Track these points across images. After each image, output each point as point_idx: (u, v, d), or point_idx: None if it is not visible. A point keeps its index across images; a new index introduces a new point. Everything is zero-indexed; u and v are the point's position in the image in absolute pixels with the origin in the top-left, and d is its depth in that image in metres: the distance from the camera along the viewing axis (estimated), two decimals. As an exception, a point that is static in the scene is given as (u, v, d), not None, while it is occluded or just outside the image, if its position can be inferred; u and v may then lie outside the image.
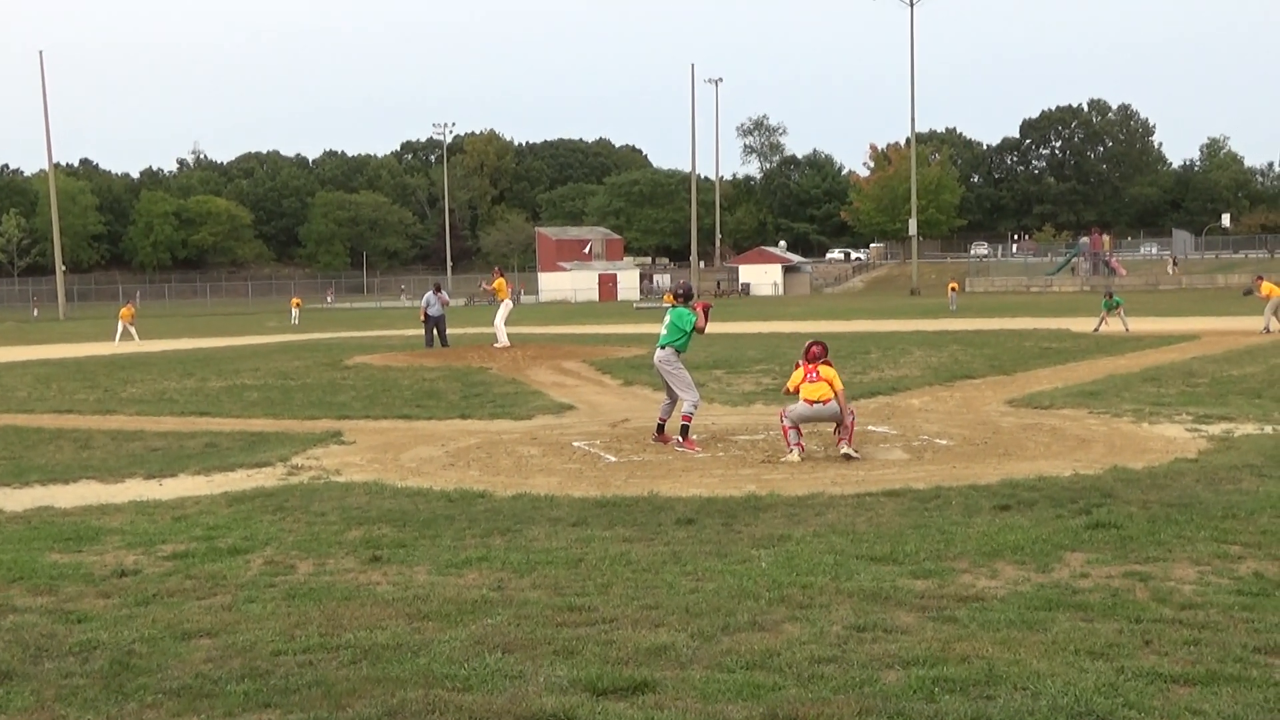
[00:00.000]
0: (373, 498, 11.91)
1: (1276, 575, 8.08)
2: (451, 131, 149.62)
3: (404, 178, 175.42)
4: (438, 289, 37.57)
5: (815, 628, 7.04)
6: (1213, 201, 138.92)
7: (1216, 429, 15.42)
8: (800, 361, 14.65)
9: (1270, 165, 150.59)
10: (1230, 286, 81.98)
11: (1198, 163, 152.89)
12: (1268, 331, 34.04)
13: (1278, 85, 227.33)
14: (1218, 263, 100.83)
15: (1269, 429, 15.33)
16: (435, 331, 36.37)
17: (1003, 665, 6.25)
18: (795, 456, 13.71)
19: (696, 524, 10.17)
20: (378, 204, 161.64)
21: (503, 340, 33.91)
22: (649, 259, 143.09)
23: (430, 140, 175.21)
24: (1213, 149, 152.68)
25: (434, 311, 36.46)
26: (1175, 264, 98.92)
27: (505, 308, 35.12)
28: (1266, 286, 36.01)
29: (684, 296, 15.98)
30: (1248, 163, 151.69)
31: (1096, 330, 37.32)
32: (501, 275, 37.23)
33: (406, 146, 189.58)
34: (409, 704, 5.85)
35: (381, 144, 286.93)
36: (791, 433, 13.95)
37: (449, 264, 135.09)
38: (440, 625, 7.26)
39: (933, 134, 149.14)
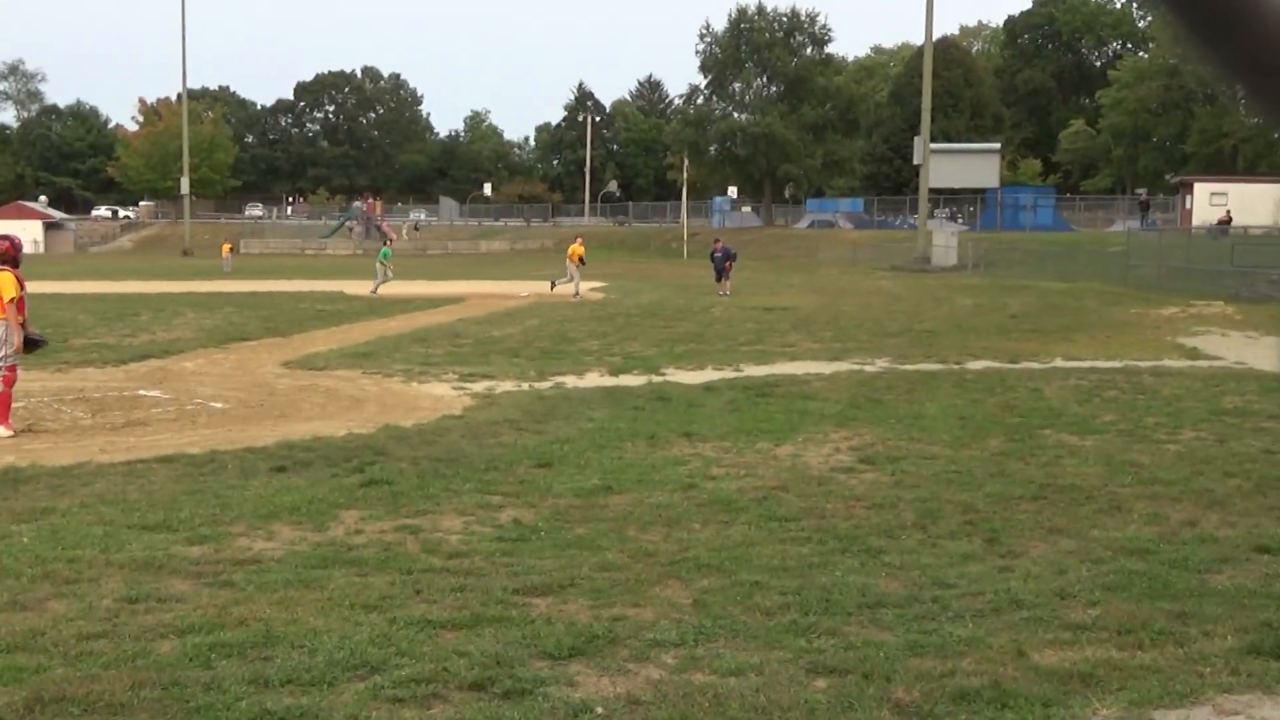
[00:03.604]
0: None
1: (533, 521, 8.76)
2: None
3: None
4: None
5: (84, 603, 6.73)
6: (476, 171, 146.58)
7: (479, 387, 16.41)
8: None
9: (526, 139, 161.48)
10: (492, 252, 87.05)
11: (462, 134, 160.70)
12: (577, 295, 35.73)
13: (526, 66, 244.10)
14: (480, 229, 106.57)
15: (525, 385, 16.53)
16: None
17: (280, 625, 6.31)
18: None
19: (-54, 501, 9.34)
20: None
21: None
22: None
23: None
24: (476, 121, 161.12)
25: None
26: (416, 228, 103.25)
27: None
28: (575, 248, 38.19)
29: None
30: (506, 136, 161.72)
31: (375, 292, 37.61)
32: None
33: None
34: None
35: None
36: None
37: None
38: None
39: (206, 91, 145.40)
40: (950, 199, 73.60)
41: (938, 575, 7.43)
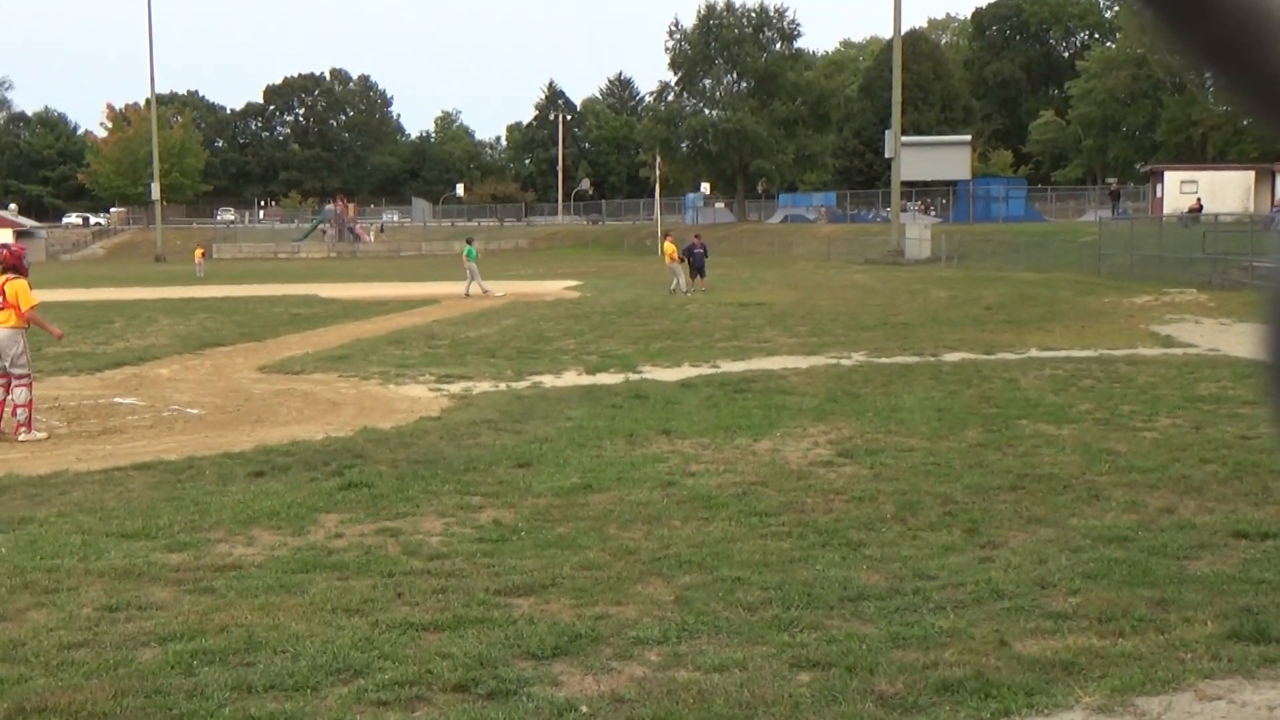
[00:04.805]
0: None
1: (513, 521, 8.76)
2: None
3: None
4: None
5: (64, 612, 6.70)
6: (448, 172, 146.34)
7: (457, 388, 16.38)
8: None
9: (497, 139, 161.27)
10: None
11: (433, 135, 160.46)
12: (680, 290, 34.95)
13: (495, 66, 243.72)
14: (454, 230, 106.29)
15: (503, 385, 16.51)
16: None
17: (262, 631, 6.29)
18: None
19: (-78, 513, 9.28)
20: None
21: None
22: None
23: None
24: (446, 122, 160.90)
25: None
26: (382, 230, 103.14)
27: None
28: (668, 247, 37.63)
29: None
30: (478, 136, 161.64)
31: (469, 293, 36.20)
32: None
33: None
34: None
35: None
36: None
37: None
38: None
39: (174, 96, 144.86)
40: (922, 191, 73.91)
41: (918, 567, 7.45)
